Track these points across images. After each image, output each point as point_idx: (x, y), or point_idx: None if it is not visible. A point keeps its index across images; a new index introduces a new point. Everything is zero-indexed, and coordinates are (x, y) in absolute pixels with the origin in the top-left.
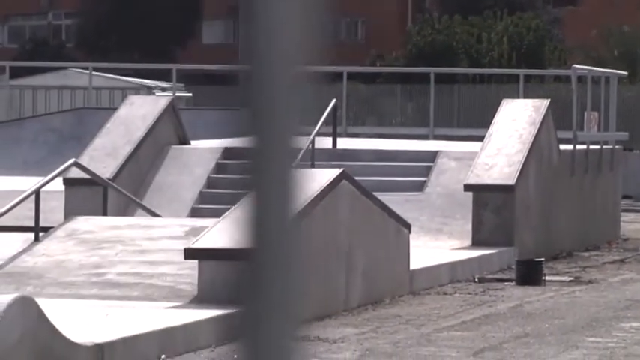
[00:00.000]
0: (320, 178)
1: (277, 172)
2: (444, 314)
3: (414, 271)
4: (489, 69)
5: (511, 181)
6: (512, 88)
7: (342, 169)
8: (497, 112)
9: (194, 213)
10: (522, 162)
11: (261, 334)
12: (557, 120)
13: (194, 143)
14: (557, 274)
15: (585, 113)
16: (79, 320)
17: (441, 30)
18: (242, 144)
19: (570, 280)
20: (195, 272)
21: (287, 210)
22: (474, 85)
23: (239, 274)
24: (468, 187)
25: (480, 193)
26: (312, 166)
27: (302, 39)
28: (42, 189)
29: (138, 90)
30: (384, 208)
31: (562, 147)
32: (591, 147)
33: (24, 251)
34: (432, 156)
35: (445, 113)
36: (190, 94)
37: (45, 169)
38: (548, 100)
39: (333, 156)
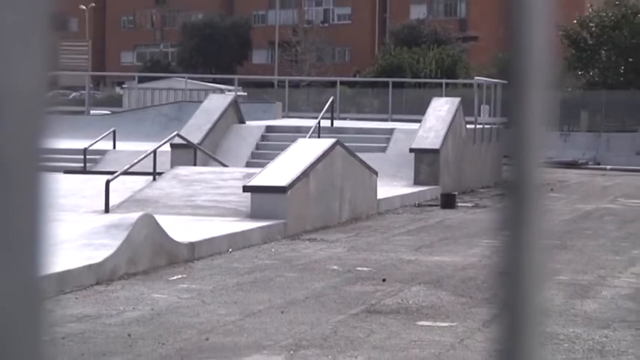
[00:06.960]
0: (324, 144)
1: None
2: (397, 226)
3: (379, 200)
4: (424, 79)
5: (437, 147)
6: (438, 91)
7: (337, 139)
8: (429, 105)
9: (248, 165)
10: (444, 135)
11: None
12: (465, 110)
13: (248, 123)
14: (464, 202)
15: (482, 106)
16: (179, 228)
17: (395, 55)
18: (277, 123)
19: (473, 206)
20: (249, 200)
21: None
22: (415, 89)
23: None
24: (412, 150)
25: (419, 153)
26: (319, 136)
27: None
28: (157, 150)
29: (214, 91)
30: (362, 162)
31: (468, 126)
32: (485, 126)
33: (146, 187)
34: (390, 131)
35: (398, 106)
36: (246, 94)
37: (159, 138)
38: (460, 98)
39: (331, 131)
